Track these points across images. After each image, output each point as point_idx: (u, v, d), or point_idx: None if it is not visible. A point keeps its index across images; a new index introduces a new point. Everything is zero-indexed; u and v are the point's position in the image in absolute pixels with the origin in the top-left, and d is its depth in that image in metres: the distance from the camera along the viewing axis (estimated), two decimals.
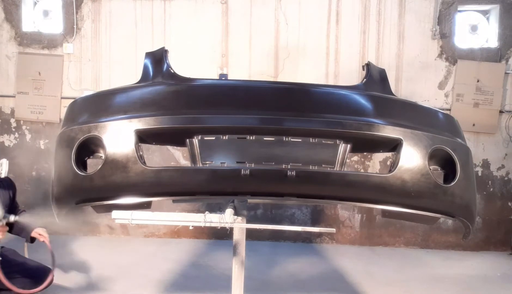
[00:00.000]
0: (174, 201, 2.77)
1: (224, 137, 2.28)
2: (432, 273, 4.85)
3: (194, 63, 5.63)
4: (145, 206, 2.80)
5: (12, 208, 3.30)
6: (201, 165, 2.28)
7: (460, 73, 5.71)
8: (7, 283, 2.83)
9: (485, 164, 5.80)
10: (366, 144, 2.65)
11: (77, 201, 2.34)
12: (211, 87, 2.64)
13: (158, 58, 2.74)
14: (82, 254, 5.05)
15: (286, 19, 5.75)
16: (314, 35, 5.76)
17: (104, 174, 2.23)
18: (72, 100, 2.66)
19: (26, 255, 3.32)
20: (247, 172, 2.15)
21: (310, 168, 2.30)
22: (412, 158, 2.26)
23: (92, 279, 4.29)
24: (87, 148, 2.34)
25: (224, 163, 2.29)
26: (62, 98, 5.80)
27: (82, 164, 2.36)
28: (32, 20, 5.99)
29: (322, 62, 5.77)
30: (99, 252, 5.18)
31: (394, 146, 2.36)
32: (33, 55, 5.82)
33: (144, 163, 2.23)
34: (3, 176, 3.05)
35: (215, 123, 2.26)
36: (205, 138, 2.28)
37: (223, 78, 5.63)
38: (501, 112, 5.73)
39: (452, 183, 2.33)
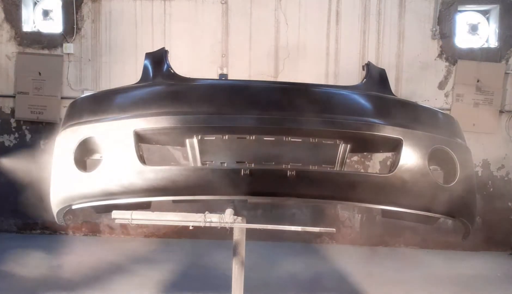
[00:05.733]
0: (174, 201, 2.78)
1: (224, 137, 2.28)
2: (432, 273, 4.84)
3: (194, 63, 5.62)
4: (145, 206, 2.80)
5: None
6: (201, 165, 2.29)
7: (460, 73, 5.70)
8: None
9: (485, 164, 5.80)
10: (366, 144, 2.65)
11: (77, 201, 2.34)
12: (211, 87, 2.65)
13: (158, 58, 2.74)
14: (82, 254, 5.05)
15: (286, 19, 5.75)
16: (314, 35, 5.75)
17: (104, 174, 2.23)
18: (72, 100, 2.66)
19: None
20: (247, 172, 2.15)
21: (310, 168, 2.30)
22: (412, 158, 2.27)
23: (92, 279, 4.28)
24: (87, 148, 2.34)
25: (224, 163, 2.29)
26: (62, 98, 5.80)
27: (82, 164, 2.36)
28: (32, 20, 5.99)
29: (322, 62, 5.77)
30: (99, 252, 5.17)
31: (394, 146, 2.36)
32: (33, 55, 5.82)
33: (144, 163, 2.24)
34: None
35: (215, 123, 2.26)
36: (205, 138, 2.28)
37: (223, 78, 5.63)
38: (501, 112, 5.72)
39: (452, 183, 2.34)
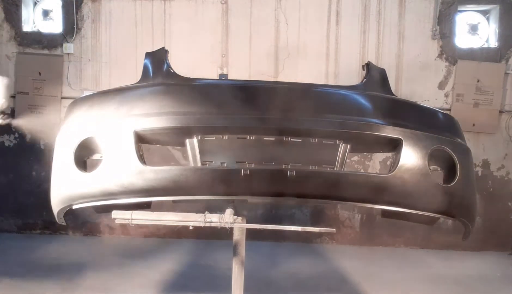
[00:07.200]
0: (174, 201, 2.78)
1: (224, 137, 2.28)
2: (432, 273, 4.84)
3: (194, 63, 5.62)
4: (145, 206, 2.80)
5: None
6: (201, 165, 2.29)
7: (460, 73, 5.70)
8: None
9: (485, 164, 5.80)
10: (366, 144, 2.66)
11: (77, 201, 2.34)
12: (211, 87, 2.65)
13: (158, 58, 2.74)
14: (82, 254, 5.05)
15: (286, 19, 5.75)
16: (314, 35, 5.75)
17: (104, 174, 2.23)
18: (72, 100, 2.66)
19: None
20: (247, 172, 2.15)
21: (310, 168, 2.30)
22: (412, 158, 2.26)
23: (92, 279, 4.28)
24: (87, 148, 2.34)
25: (224, 163, 2.29)
26: (62, 98, 5.80)
27: (82, 164, 2.36)
28: (32, 20, 5.99)
29: (322, 62, 5.76)
30: (99, 252, 5.17)
31: (394, 146, 2.36)
32: (33, 55, 5.82)
33: (144, 163, 2.24)
34: None
35: (215, 123, 2.26)
36: (205, 138, 2.28)
37: (223, 78, 5.63)
38: (501, 112, 5.73)
39: (452, 183, 2.34)
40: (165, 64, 2.68)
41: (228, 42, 5.77)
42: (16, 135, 5.86)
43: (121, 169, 2.21)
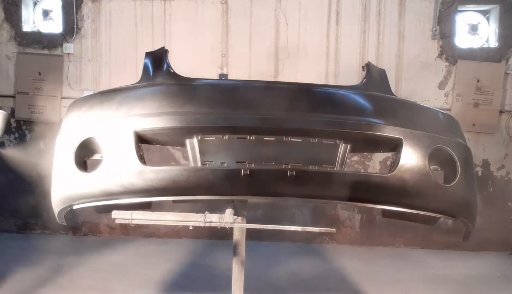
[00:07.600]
0: (174, 201, 2.77)
1: (224, 137, 2.28)
2: (432, 273, 4.84)
3: (194, 63, 5.62)
4: (145, 206, 2.80)
5: None
6: (201, 165, 2.29)
7: (460, 73, 5.70)
8: None
9: (485, 164, 5.80)
10: (366, 144, 2.65)
11: (78, 201, 2.34)
12: (211, 87, 2.64)
13: (158, 58, 2.74)
14: (82, 254, 5.05)
15: (286, 19, 5.75)
16: (314, 35, 5.75)
17: (104, 174, 2.23)
18: (72, 100, 2.66)
19: None
20: (247, 172, 2.15)
21: (310, 168, 2.30)
22: (412, 158, 2.26)
23: (92, 279, 4.28)
24: (87, 148, 2.34)
25: (224, 163, 2.29)
26: (62, 98, 5.80)
27: (82, 164, 2.36)
28: (32, 20, 5.99)
29: (322, 62, 5.76)
30: (99, 252, 5.17)
31: (394, 146, 2.36)
32: (33, 55, 5.82)
33: (144, 163, 2.24)
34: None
35: (215, 123, 2.26)
36: (205, 138, 2.28)
37: (223, 78, 5.63)
38: (501, 112, 5.73)
39: (453, 183, 2.33)
40: (165, 64, 2.67)
41: (228, 42, 5.77)
42: (16, 135, 5.86)
43: (121, 169, 2.21)
